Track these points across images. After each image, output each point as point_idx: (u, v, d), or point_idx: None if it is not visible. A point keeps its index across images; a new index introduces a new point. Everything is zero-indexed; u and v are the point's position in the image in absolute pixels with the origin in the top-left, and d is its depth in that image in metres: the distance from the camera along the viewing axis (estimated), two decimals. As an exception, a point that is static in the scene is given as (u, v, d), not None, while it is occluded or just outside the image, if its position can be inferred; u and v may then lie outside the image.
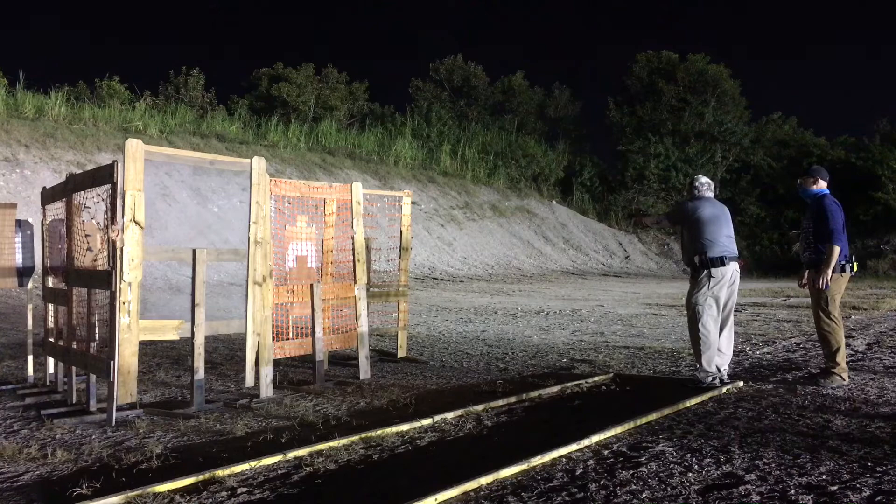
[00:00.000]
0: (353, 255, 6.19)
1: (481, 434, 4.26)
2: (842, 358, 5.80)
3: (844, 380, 5.75)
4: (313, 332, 5.84)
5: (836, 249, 5.74)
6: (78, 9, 72.17)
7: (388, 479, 3.41)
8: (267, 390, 5.28)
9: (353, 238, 6.19)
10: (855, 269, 5.96)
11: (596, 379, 6.01)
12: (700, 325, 5.68)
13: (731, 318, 5.94)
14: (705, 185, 6.02)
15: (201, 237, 15.77)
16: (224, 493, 3.17)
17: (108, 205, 4.47)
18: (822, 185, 6.04)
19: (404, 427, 4.28)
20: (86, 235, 4.90)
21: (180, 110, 23.14)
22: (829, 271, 5.75)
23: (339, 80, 31.78)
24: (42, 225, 5.80)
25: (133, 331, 4.43)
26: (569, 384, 5.72)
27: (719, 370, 5.77)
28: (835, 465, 3.57)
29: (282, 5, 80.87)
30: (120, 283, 4.34)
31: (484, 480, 3.28)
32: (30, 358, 5.79)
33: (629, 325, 10.19)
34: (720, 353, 5.79)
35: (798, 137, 38.46)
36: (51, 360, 5.61)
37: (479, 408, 4.81)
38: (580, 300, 14.94)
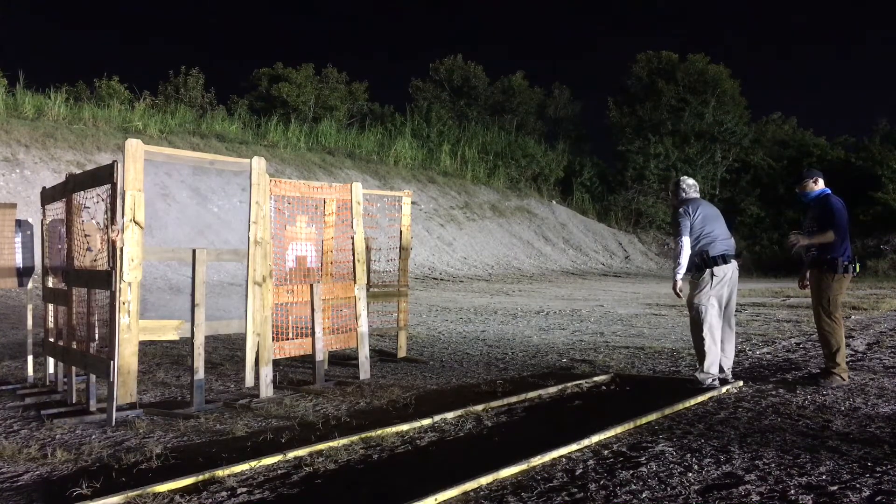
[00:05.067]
0: (353, 255, 6.18)
1: (481, 434, 4.26)
2: (842, 358, 5.80)
3: (844, 380, 5.75)
4: (313, 332, 5.84)
5: (831, 235, 5.76)
6: (78, 9, 72.17)
7: (388, 479, 3.41)
8: (267, 390, 5.28)
9: (353, 238, 6.19)
10: (857, 269, 5.95)
11: (596, 379, 6.01)
12: (705, 327, 5.64)
13: (733, 318, 5.93)
14: (692, 186, 5.92)
15: (201, 237, 15.78)
16: (224, 493, 3.17)
17: (108, 205, 4.47)
18: (822, 185, 6.03)
19: (404, 427, 4.28)
20: (86, 235, 4.90)
21: (180, 110, 23.13)
22: (812, 242, 5.82)
23: (339, 80, 31.79)
24: (42, 225, 5.80)
25: (133, 331, 4.43)
26: (569, 384, 5.72)
27: (723, 370, 5.76)
28: (835, 465, 3.57)
29: (281, 5, 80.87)
30: (120, 283, 4.34)
31: (484, 480, 3.28)
32: (30, 358, 5.79)
33: (629, 325, 10.18)
34: (723, 353, 5.78)
35: (798, 137, 38.48)
36: (51, 360, 5.61)
37: (479, 408, 4.81)
38: (580, 300, 14.94)
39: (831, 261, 5.81)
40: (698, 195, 5.94)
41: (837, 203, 5.87)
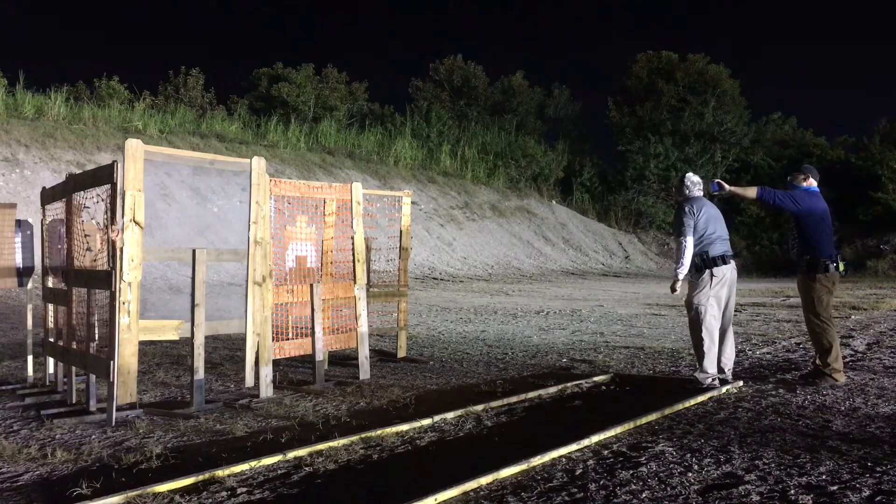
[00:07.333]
0: (353, 255, 6.18)
1: (481, 434, 4.26)
2: (834, 359, 5.76)
3: (837, 381, 5.72)
4: (313, 332, 5.84)
5: (753, 192, 6.03)
6: (78, 9, 72.21)
7: (388, 479, 3.41)
8: (267, 390, 5.28)
9: (352, 238, 6.19)
10: (842, 269, 5.90)
11: (596, 379, 6.01)
12: (703, 327, 5.64)
13: (732, 318, 5.93)
14: (697, 183, 5.90)
15: (201, 237, 15.78)
16: (224, 493, 3.17)
17: (108, 205, 4.47)
18: (811, 183, 6.01)
19: (404, 427, 4.28)
20: (85, 235, 4.90)
21: (180, 110, 23.12)
22: (735, 190, 6.05)
23: (339, 80, 31.78)
24: (42, 225, 5.80)
25: (133, 331, 4.43)
26: (569, 384, 5.72)
27: (723, 370, 5.76)
28: (835, 465, 3.57)
29: (281, 5, 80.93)
30: (120, 283, 4.34)
31: (484, 480, 3.28)
32: (30, 358, 5.79)
33: (629, 325, 10.18)
34: (724, 352, 5.77)
35: (798, 137, 38.48)
36: (51, 360, 5.61)
37: (479, 408, 4.81)
38: (580, 300, 14.94)
39: (810, 261, 5.82)
40: (702, 193, 5.94)
41: (808, 199, 5.87)
